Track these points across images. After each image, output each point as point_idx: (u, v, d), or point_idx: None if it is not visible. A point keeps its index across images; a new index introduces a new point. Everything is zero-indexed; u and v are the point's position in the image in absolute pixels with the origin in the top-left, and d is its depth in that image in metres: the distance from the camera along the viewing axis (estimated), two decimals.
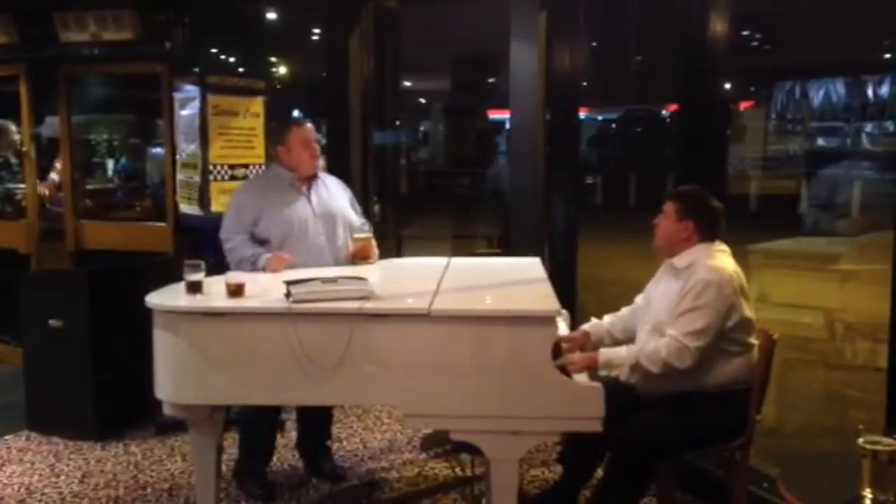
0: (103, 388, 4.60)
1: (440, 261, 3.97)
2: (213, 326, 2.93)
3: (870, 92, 22.20)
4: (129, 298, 4.58)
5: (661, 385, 3.13)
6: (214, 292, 3.10)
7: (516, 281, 3.52)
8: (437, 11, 7.93)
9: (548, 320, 2.85)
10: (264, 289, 3.15)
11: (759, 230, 4.87)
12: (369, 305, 2.90)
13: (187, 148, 4.84)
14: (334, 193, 3.97)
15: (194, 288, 3.09)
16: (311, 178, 3.89)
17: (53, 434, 4.68)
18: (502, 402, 2.84)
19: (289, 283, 2.99)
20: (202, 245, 4.66)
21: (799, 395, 4.06)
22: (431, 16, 7.94)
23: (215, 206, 4.67)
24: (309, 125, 3.89)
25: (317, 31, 7.99)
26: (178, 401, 3.02)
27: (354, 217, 3.98)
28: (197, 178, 4.69)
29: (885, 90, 21.94)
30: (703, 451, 3.33)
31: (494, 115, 24.91)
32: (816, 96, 21.02)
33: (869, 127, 21.82)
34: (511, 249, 4.95)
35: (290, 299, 2.91)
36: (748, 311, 3.13)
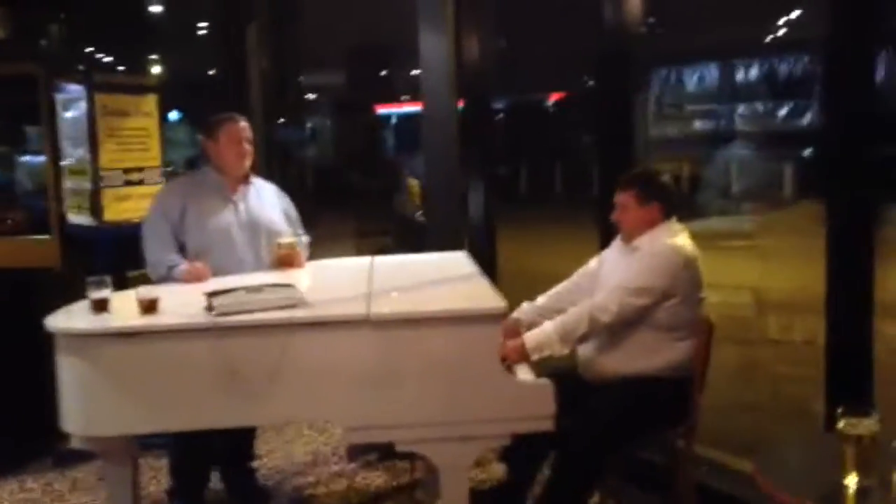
0: None
1: (363, 261, 3.79)
2: (127, 348, 2.63)
3: (740, 75, 23.26)
4: (16, 320, 4.22)
5: (604, 365, 3.05)
6: (124, 310, 2.80)
7: (449, 278, 3.36)
8: (328, 2, 7.67)
9: (495, 318, 2.71)
10: (181, 302, 2.87)
11: None
12: (302, 314, 2.68)
13: (74, 153, 4.43)
14: (266, 202, 3.70)
15: (100, 306, 2.78)
16: (241, 183, 3.61)
17: None
18: (449, 407, 2.68)
19: (210, 295, 2.73)
20: (97, 258, 4.29)
21: (728, 374, 4.08)
22: (321, 7, 7.67)
23: (109, 215, 4.30)
24: (243, 123, 3.61)
25: (204, 24, 7.63)
26: (90, 433, 2.72)
27: (284, 227, 3.70)
28: (88, 186, 4.30)
29: (754, 72, 23.03)
30: (648, 440, 3.27)
31: (382, 109, 24.77)
32: (691, 81, 21.83)
33: (741, 108, 22.85)
34: (430, 244, 4.78)
35: (214, 312, 2.65)
36: (701, 292, 3.08)
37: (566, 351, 2.99)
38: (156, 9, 6.42)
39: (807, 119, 21.07)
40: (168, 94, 4.65)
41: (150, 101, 4.53)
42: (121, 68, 5.17)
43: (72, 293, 4.45)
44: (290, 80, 5.49)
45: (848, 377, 2.98)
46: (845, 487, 1.95)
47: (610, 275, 3.18)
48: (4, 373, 4.17)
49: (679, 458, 3.16)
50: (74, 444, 2.79)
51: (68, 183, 4.47)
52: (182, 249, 3.49)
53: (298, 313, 2.68)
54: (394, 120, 27.06)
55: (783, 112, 22.21)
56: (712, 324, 3.09)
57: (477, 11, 4.91)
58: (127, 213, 4.35)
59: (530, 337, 3.00)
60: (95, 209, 4.25)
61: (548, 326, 3.02)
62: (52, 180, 4.85)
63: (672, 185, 3.23)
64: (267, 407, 2.66)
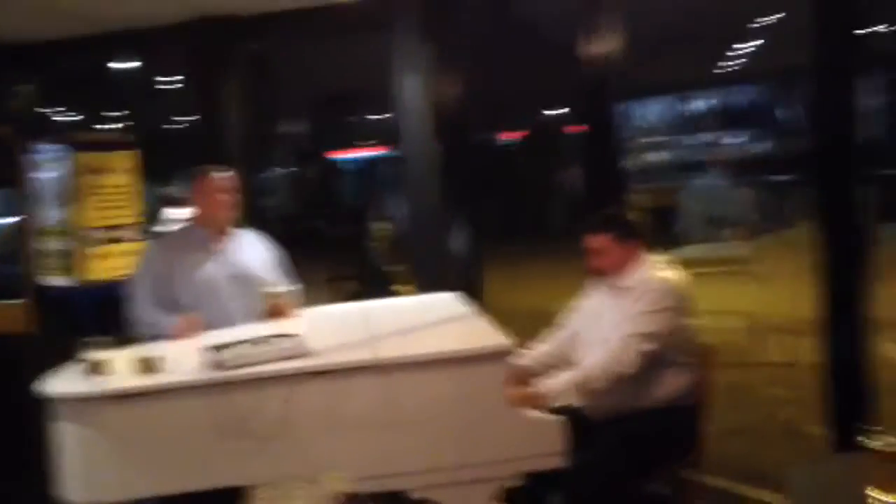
0: None
1: (354, 307, 3.76)
2: (130, 409, 2.56)
3: (688, 107, 23.86)
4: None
5: (609, 401, 3.03)
6: (121, 371, 2.72)
7: (447, 318, 3.34)
8: (290, 54, 7.69)
9: (503, 355, 2.69)
10: (179, 359, 2.80)
11: None
12: (309, 363, 2.64)
13: (50, 213, 4.35)
14: (252, 252, 3.66)
15: (98, 368, 2.70)
16: (226, 235, 3.58)
17: None
18: (461, 449, 2.65)
19: (213, 349, 2.67)
20: (80, 320, 4.20)
21: (718, 398, 4.11)
22: (287, 58, 7.70)
23: (91, 275, 4.21)
24: (224, 174, 3.58)
25: (176, 78, 7.61)
26: (92, 499, 2.60)
27: (272, 276, 3.65)
28: (67, 246, 4.22)
29: (700, 105, 23.64)
30: (656, 473, 3.24)
31: (340, 156, 24.80)
32: (642, 114, 22.30)
33: (691, 139, 23.38)
34: (419, 285, 4.77)
35: (221, 366, 2.60)
36: (694, 322, 3.10)
37: (582, 402, 2.96)
38: (125, 65, 6.41)
39: (763, 147, 21.64)
40: (158, 147, 4.60)
41: (130, 158, 4.49)
42: (96, 126, 5.12)
43: (51, 357, 4.37)
44: (266, 131, 5.49)
45: (849, 397, 3.01)
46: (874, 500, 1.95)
47: (604, 316, 3.16)
48: None
49: (687, 489, 3.15)
50: None
51: (48, 244, 4.38)
52: (173, 306, 3.43)
53: (306, 363, 2.63)
54: (351, 166, 27.15)
55: (739, 141, 22.77)
56: (711, 348, 3.11)
57: (452, 53, 4.97)
58: (108, 271, 4.28)
59: (548, 386, 2.98)
60: (76, 269, 4.16)
61: (566, 377, 3.01)
62: (23, 243, 4.76)
63: (640, 221, 3.26)
64: (276, 461, 2.60)
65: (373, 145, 25.25)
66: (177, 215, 7.12)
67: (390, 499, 2.84)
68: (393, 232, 9.77)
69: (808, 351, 4.23)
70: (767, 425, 4.40)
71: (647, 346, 2.93)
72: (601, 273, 3.19)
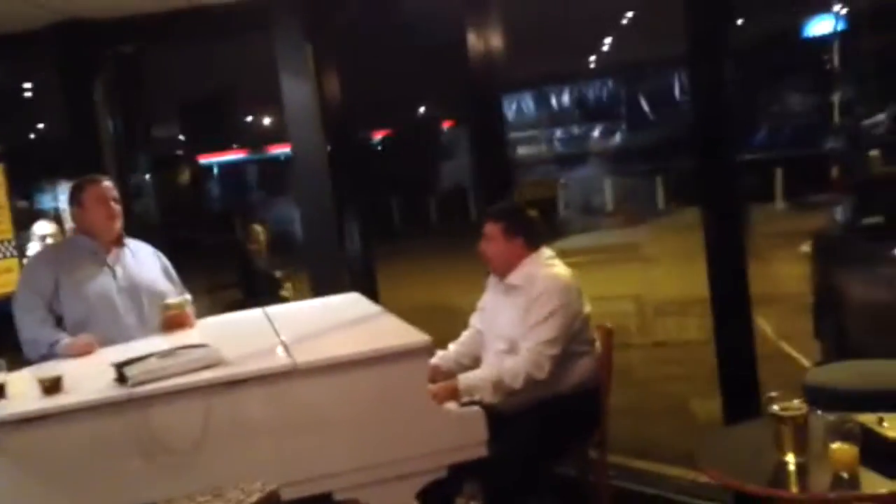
0: None
1: (255, 313, 3.70)
2: (35, 434, 2.42)
3: (553, 101, 24.69)
4: None
5: (519, 395, 3.12)
6: (22, 393, 2.58)
7: (356, 319, 3.34)
8: (163, 56, 7.43)
9: (423, 351, 2.72)
10: (82, 378, 2.68)
11: None
12: (224, 372, 2.58)
13: None
14: (143, 263, 3.54)
15: None
16: (114, 246, 3.42)
17: None
18: (384, 447, 2.65)
19: (118, 366, 2.57)
20: None
21: (625, 379, 4.29)
22: (158, 61, 7.43)
23: None
24: (107, 182, 3.45)
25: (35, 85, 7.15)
26: None
27: (166, 287, 3.55)
28: None
29: (566, 98, 24.51)
30: (566, 456, 3.36)
31: (206, 159, 24.11)
32: (510, 109, 22.88)
33: (558, 132, 24.20)
34: (314, 287, 4.73)
35: (129, 383, 2.50)
36: (587, 308, 3.22)
37: (495, 400, 3.01)
38: None
39: (617, 138, 22.65)
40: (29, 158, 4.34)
41: None
42: None
43: None
44: (138, 136, 5.28)
45: (736, 369, 3.22)
46: (786, 465, 2.11)
47: (499, 313, 3.26)
48: None
49: (595, 467, 3.29)
50: None
51: None
52: (58, 322, 3.27)
53: (221, 372, 2.58)
54: (216, 170, 26.45)
55: (595, 133, 23.74)
56: (611, 330, 3.26)
57: (334, 53, 4.96)
58: None
59: (463, 379, 3.04)
60: None
61: (483, 373, 3.08)
62: None
63: (538, 218, 3.34)
64: (195, 475, 2.50)
65: (245, 147, 24.71)
66: (46, 229, 6.75)
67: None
68: (270, 235, 9.60)
69: (687, 329, 4.48)
70: (653, 403, 4.63)
71: (555, 351, 3.04)
72: (487, 261, 3.29)
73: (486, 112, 4.12)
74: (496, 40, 3.96)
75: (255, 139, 23.86)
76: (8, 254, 4.19)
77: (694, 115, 3.13)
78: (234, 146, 24.96)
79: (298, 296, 7.02)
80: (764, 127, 16.65)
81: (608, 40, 14.93)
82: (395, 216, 18.63)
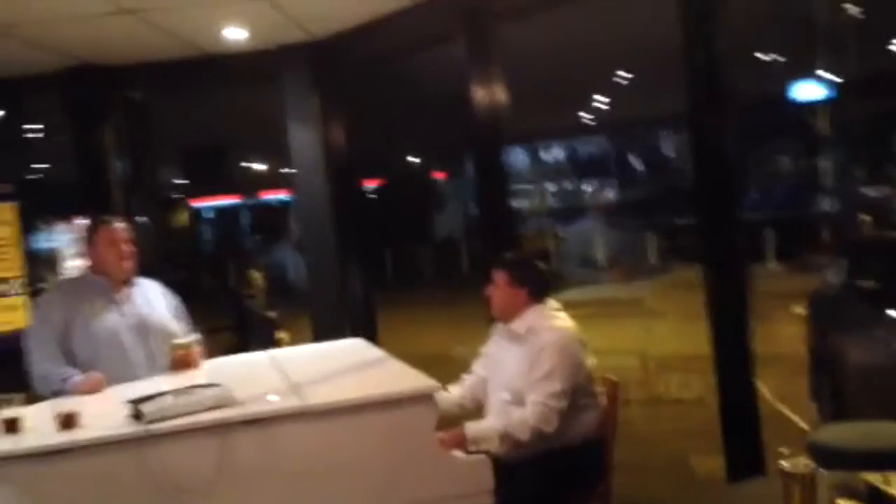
0: None
1: (260, 355, 3.74)
2: (51, 468, 2.44)
3: (546, 156, 25.04)
4: None
5: (524, 448, 3.15)
6: (37, 428, 2.60)
7: (362, 363, 3.38)
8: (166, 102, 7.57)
9: (429, 398, 2.75)
10: (97, 414, 2.71)
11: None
12: (238, 412, 2.61)
13: None
14: (152, 301, 3.59)
15: (12, 426, 2.57)
16: (125, 285, 3.48)
17: None
18: (391, 491, 2.67)
19: (134, 402, 2.61)
20: None
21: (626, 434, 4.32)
22: (164, 108, 7.56)
23: None
24: (120, 224, 3.50)
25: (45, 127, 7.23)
26: None
27: (174, 325, 3.59)
28: None
29: (559, 154, 24.86)
30: None
31: (200, 203, 24.20)
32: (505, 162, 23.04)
33: (551, 186, 24.49)
34: (316, 332, 4.78)
35: (145, 419, 2.54)
36: (590, 362, 3.27)
37: (501, 451, 3.02)
38: None
39: (609, 194, 22.95)
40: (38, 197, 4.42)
41: (8, 210, 4.28)
42: None
43: None
44: (146, 180, 5.38)
45: (738, 427, 3.27)
46: None
47: (500, 364, 3.31)
48: None
49: None
50: None
51: None
52: (71, 358, 3.31)
53: (235, 412, 2.61)
54: (210, 214, 26.54)
55: (588, 188, 24.05)
56: (616, 383, 3.30)
57: (340, 103, 5.10)
58: None
59: (472, 428, 3.06)
60: None
61: (491, 423, 3.10)
62: None
63: (545, 272, 3.41)
64: None
65: (238, 193, 24.82)
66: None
67: None
68: (266, 279, 9.63)
69: (688, 386, 4.51)
70: (654, 459, 4.63)
71: (562, 404, 3.06)
72: (491, 306, 3.35)
73: (490, 163, 4.24)
74: (500, 93, 4.09)
75: (249, 185, 24.00)
76: (15, 292, 4.22)
77: (695, 172, 3.22)
78: (228, 191, 25.09)
79: (295, 340, 7.05)
80: (753, 188, 16.93)
81: (603, 98, 15.20)
82: (388, 266, 18.69)
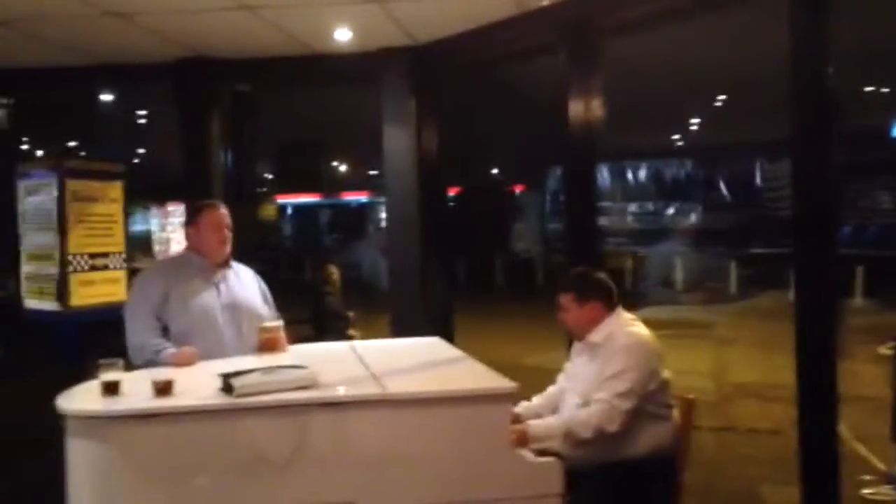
0: None
1: (341, 345, 3.85)
2: (145, 430, 2.59)
3: (630, 176, 24.73)
4: None
5: (591, 454, 3.15)
6: (135, 392, 2.77)
7: (440, 360, 3.46)
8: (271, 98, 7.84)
9: (508, 397, 2.81)
10: (190, 384, 2.86)
11: None
12: (322, 394, 2.72)
13: (35, 238, 4.35)
14: (245, 284, 3.75)
15: (111, 389, 2.73)
16: (221, 266, 3.65)
17: None
18: (463, 485, 2.73)
19: (225, 376, 2.74)
20: (61, 344, 4.18)
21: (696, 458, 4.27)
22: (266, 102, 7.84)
23: (75, 300, 4.21)
24: (223, 210, 3.68)
25: (144, 113, 7.58)
26: None
27: (264, 309, 3.75)
28: (52, 270, 4.21)
29: (643, 174, 24.52)
30: None
31: (281, 199, 24.83)
32: None
33: (632, 207, 24.19)
34: (395, 331, 4.87)
35: (235, 393, 2.67)
36: (665, 373, 3.27)
37: (564, 450, 3.05)
38: (105, 97, 6.46)
39: (692, 218, 22.51)
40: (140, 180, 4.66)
41: (117, 188, 4.53)
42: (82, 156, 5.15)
43: (26, 380, 4.33)
44: (246, 172, 5.60)
45: (818, 460, 3.20)
46: None
47: (579, 374, 3.34)
48: None
49: None
50: None
51: (27, 267, 4.36)
52: (165, 332, 3.48)
53: (318, 394, 2.72)
54: (290, 210, 27.17)
55: (670, 211, 23.65)
56: (692, 401, 3.29)
57: (437, 110, 5.19)
58: (92, 297, 4.28)
59: (534, 426, 3.10)
60: (62, 294, 4.16)
61: (554, 421, 3.14)
62: None
63: (607, 278, 3.42)
64: (286, 489, 2.65)
65: (320, 192, 25.37)
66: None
67: None
68: (341, 276, 9.82)
69: (765, 414, 4.41)
70: (723, 484, 4.57)
71: (628, 405, 3.06)
72: (568, 331, 3.38)
73: (581, 179, 4.25)
74: (598, 109, 4.10)
75: (331, 185, 24.49)
76: (118, 266, 4.46)
77: (795, 201, 3.17)
78: (312, 190, 25.66)
79: (367, 338, 7.19)
80: (848, 224, 16.39)
81: (695, 120, 14.91)
82: (461, 274, 18.79)
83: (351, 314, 8.76)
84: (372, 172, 23.29)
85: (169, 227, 13.13)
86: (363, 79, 5.41)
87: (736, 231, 18.16)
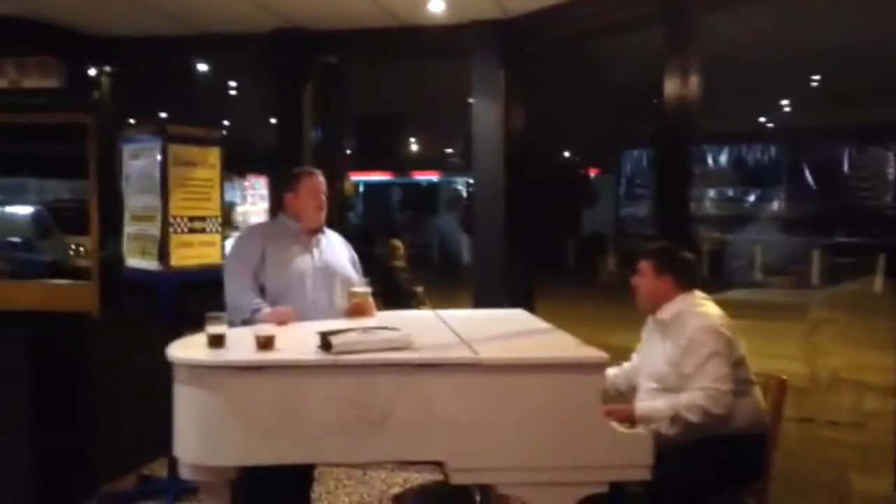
0: (40, 459, 4.13)
1: (427, 313, 3.92)
2: (249, 381, 2.71)
3: (710, 160, 24.15)
4: (70, 362, 4.26)
5: (694, 431, 3.14)
6: (238, 346, 2.89)
7: (528, 330, 3.50)
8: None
9: (599, 367, 2.84)
10: (291, 342, 2.97)
11: None
12: (415, 355, 2.80)
13: (138, 200, 4.54)
14: (336, 250, 3.87)
15: (216, 341, 2.86)
16: (315, 232, 3.76)
17: None
18: (553, 452, 2.78)
19: (324, 334, 2.84)
20: (160, 302, 4.36)
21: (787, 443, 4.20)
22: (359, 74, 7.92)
23: (175, 261, 4.38)
24: (321, 177, 3.80)
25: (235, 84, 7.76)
26: (208, 462, 2.75)
27: (354, 275, 3.86)
28: (154, 231, 4.39)
29: (723, 158, 23.91)
30: (721, 500, 3.33)
31: (356, 177, 25.13)
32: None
33: (711, 192, 23.64)
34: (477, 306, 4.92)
35: (333, 350, 2.76)
36: (742, 349, 3.23)
37: (671, 433, 3.05)
38: (201, 67, 6.68)
39: (775, 206, 21.89)
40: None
41: (215, 154, 4.68)
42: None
43: (120, 337, 4.54)
44: (336, 145, 5.72)
45: None
46: None
47: (648, 355, 3.35)
48: (59, 413, 4.17)
49: None
50: (185, 474, 2.83)
51: (130, 228, 4.56)
52: (262, 292, 3.60)
53: (412, 355, 2.79)
54: (361, 188, 27.51)
55: (751, 198, 23.04)
56: (784, 381, 3.25)
57: (527, 85, 5.18)
58: (189, 259, 4.45)
59: (641, 407, 3.13)
60: (163, 254, 4.33)
61: (662, 404, 3.13)
62: (95, 225, 4.98)
63: (692, 260, 3.40)
64: (378, 444, 2.73)
65: (391, 170, 25.59)
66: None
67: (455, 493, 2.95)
68: (410, 253, 9.94)
69: (856, 403, 4.31)
70: (810, 469, 4.49)
71: (729, 386, 3.07)
72: (636, 295, 3.37)
73: (675, 161, 4.18)
74: (695, 88, 4.03)
75: (404, 163, 24.65)
76: (214, 230, 4.62)
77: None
78: (386, 168, 25.89)
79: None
80: None
81: (786, 102, 14.33)
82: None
83: (419, 289, 8.88)
84: (448, 150, 23.35)
85: (249, 200, 13.48)
86: (452, 52, 5.43)
87: (820, 219, 17.62)
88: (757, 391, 3.26)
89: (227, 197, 11.43)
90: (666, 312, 3.28)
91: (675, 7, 3.97)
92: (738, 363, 3.16)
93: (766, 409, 3.25)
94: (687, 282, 3.31)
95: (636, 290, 3.38)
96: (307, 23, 5.31)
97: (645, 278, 3.34)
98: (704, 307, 3.24)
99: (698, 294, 3.32)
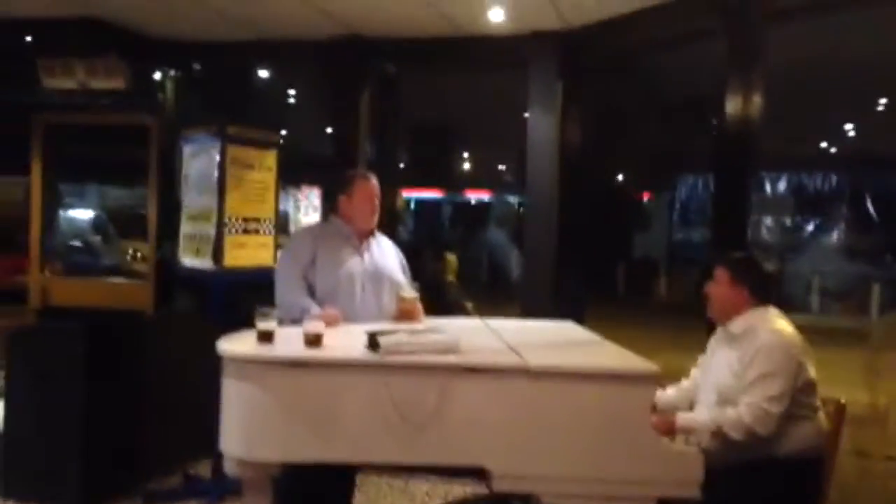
0: (89, 453, 4.20)
1: (475, 321, 3.89)
2: (296, 377, 2.71)
3: (768, 187, 23.68)
4: (123, 357, 4.33)
5: (730, 452, 3.06)
6: (287, 342, 2.90)
7: (577, 341, 3.45)
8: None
9: (649, 379, 2.78)
10: (339, 340, 2.97)
11: None
12: (462, 359, 2.77)
13: (195, 200, 4.60)
14: (387, 254, 3.88)
15: (266, 337, 2.88)
16: (366, 235, 3.78)
17: (32, 501, 4.21)
18: (598, 463, 2.72)
19: (373, 335, 2.83)
20: (211, 301, 4.41)
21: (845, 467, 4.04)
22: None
23: (228, 261, 4.43)
24: (375, 181, 3.81)
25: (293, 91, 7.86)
26: (251, 457, 2.76)
27: (403, 280, 3.87)
28: (209, 231, 4.45)
29: (782, 185, 23.43)
30: None
31: (407, 193, 25.25)
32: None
33: (768, 220, 23.15)
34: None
35: (381, 350, 2.75)
36: (812, 373, 3.13)
37: (711, 446, 2.98)
38: (262, 73, 6.80)
39: (834, 238, 21.34)
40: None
41: (272, 157, 4.74)
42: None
43: (172, 335, 4.60)
44: (390, 156, 5.75)
45: None
46: None
47: (713, 367, 3.25)
48: (109, 408, 4.23)
49: None
50: (229, 469, 2.83)
51: (186, 228, 4.63)
52: (311, 292, 3.62)
53: (459, 359, 2.77)
54: (413, 205, 27.66)
55: (810, 227, 22.50)
56: (843, 405, 3.13)
57: (580, 99, 5.14)
58: (242, 259, 4.50)
59: (683, 418, 3.06)
60: (217, 253, 4.38)
61: (703, 416, 3.07)
62: (153, 225, 5.06)
63: (771, 274, 3.31)
64: (421, 446, 2.71)
65: (442, 188, 25.65)
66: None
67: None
68: (459, 267, 9.90)
69: None
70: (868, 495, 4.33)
71: (780, 408, 2.97)
72: (709, 303, 3.29)
73: (734, 184, 4.06)
74: (757, 106, 3.91)
75: (455, 181, 24.70)
76: (268, 232, 4.66)
77: None
78: (437, 185, 25.97)
79: None
80: None
81: (850, 126, 13.85)
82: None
83: (469, 304, 8.84)
84: (500, 167, 23.33)
85: (302, 210, 13.61)
86: (508, 63, 5.42)
87: (881, 251, 17.16)
88: (821, 417, 3.13)
89: (281, 206, 11.57)
90: (737, 325, 3.19)
91: (739, 19, 3.86)
92: (804, 387, 3.06)
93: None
94: (762, 296, 3.22)
95: (708, 297, 3.30)
96: (365, 30, 5.35)
97: (719, 286, 3.26)
98: (778, 324, 3.15)
99: (773, 310, 3.22)
